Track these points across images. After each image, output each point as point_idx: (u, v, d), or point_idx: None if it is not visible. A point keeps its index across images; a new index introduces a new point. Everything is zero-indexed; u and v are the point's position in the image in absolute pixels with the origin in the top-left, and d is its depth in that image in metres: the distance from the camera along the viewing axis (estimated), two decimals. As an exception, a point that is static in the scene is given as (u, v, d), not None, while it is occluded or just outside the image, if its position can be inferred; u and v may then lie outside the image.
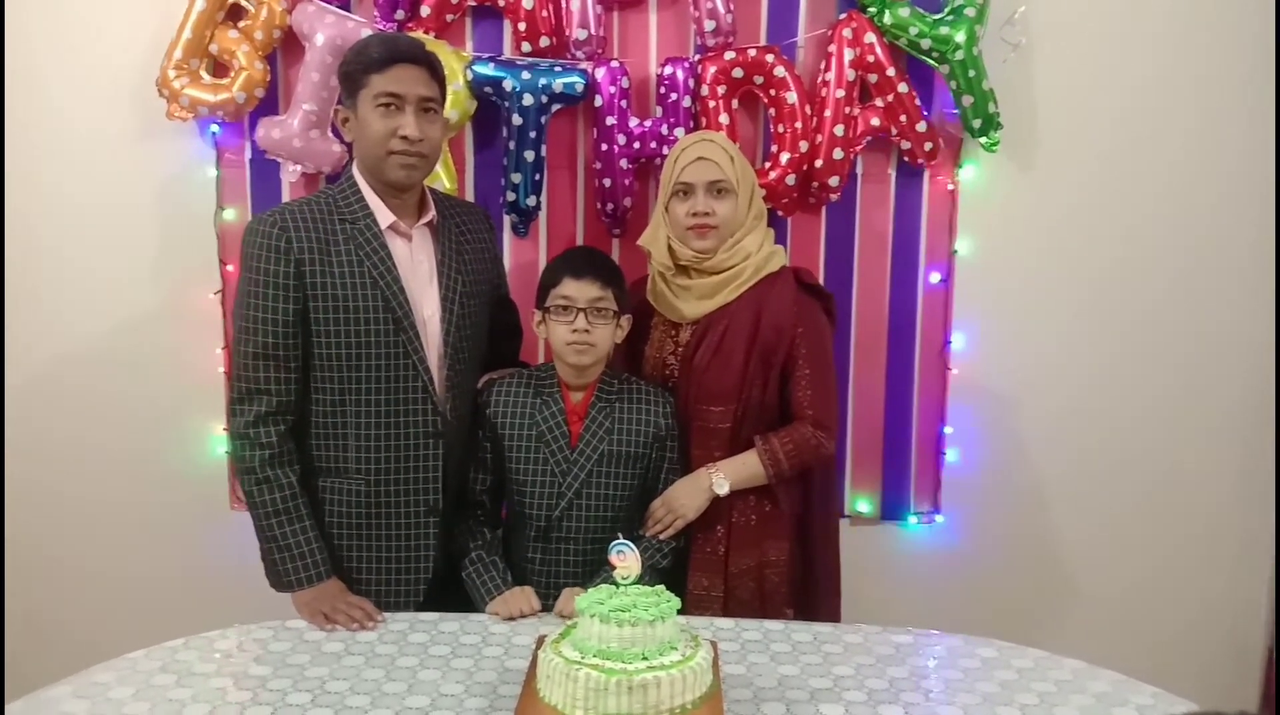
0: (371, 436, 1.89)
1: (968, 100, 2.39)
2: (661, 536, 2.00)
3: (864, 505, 2.65)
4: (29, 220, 2.50)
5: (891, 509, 2.65)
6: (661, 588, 1.47)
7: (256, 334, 1.83)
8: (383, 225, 1.89)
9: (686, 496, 2.00)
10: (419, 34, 2.32)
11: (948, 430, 2.62)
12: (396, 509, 1.93)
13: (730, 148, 2.08)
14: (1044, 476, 2.68)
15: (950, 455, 2.63)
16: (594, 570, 1.95)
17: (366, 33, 2.30)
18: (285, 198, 2.46)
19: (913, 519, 2.66)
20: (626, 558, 1.43)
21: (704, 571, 2.05)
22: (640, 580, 1.47)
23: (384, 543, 1.94)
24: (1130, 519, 2.70)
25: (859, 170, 2.51)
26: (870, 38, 2.36)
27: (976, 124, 2.42)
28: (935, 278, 2.57)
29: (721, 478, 1.99)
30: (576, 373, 1.97)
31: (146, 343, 2.54)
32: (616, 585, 1.44)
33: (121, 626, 2.58)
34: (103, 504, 2.61)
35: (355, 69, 1.85)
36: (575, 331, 1.92)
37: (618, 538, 1.49)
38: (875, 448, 2.62)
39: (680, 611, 1.47)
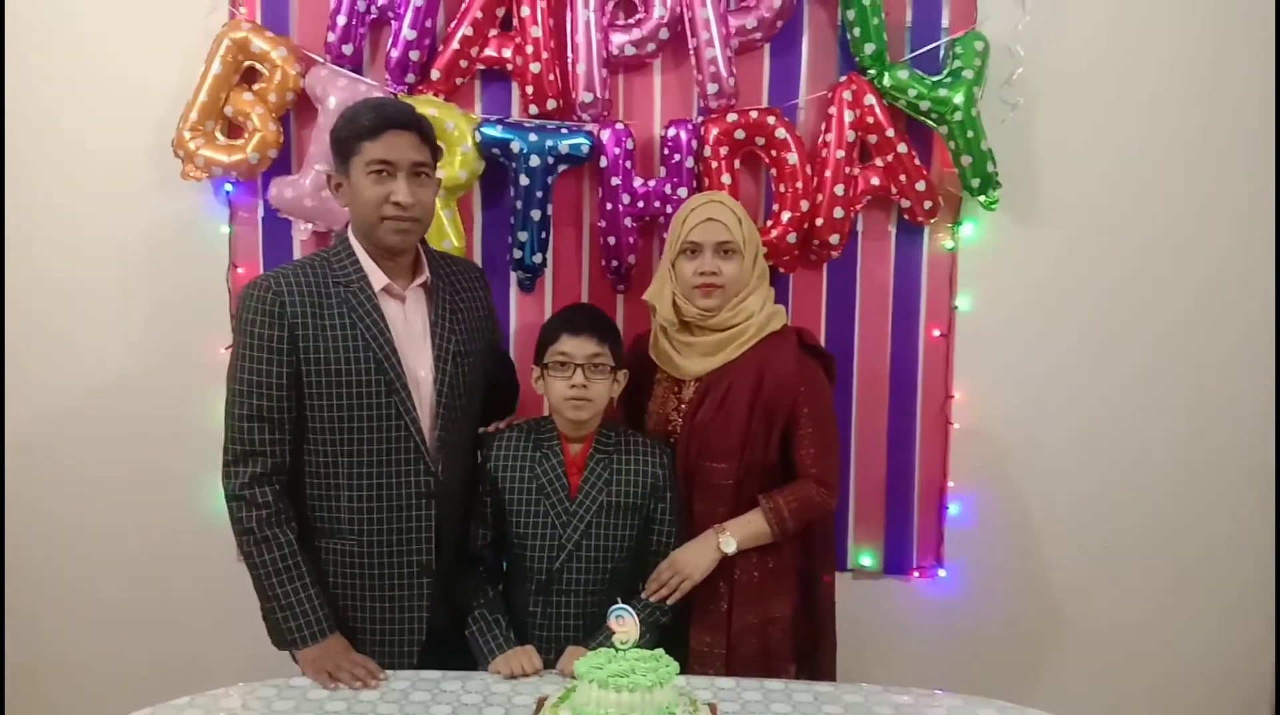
0: (364, 497, 1.90)
1: (966, 160, 2.44)
2: (668, 601, 2.00)
3: (867, 559, 2.66)
4: (43, 273, 2.55)
5: (895, 563, 2.66)
6: (660, 652, 1.49)
7: (250, 397, 1.85)
8: (376, 288, 1.90)
9: (695, 557, 2.01)
10: (429, 97, 2.39)
11: (950, 484, 2.64)
12: (389, 569, 1.93)
13: (738, 209, 2.12)
14: (1047, 530, 2.69)
15: (953, 509, 2.64)
16: (594, 624, 1.96)
17: (379, 95, 2.36)
18: (296, 255, 2.51)
19: (915, 573, 2.67)
20: (625, 622, 1.45)
21: (707, 628, 2.06)
22: (641, 638, 1.48)
23: (377, 603, 1.94)
24: (1135, 573, 2.70)
25: (860, 228, 2.55)
26: (870, 99, 2.41)
27: (975, 183, 2.46)
28: (936, 333, 2.60)
29: (728, 536, 2.01)
30: (574, 426, 2.01)
31: (157, 395, 2.58)
32: (616, 649, 1.46)
33: (128, 679, 2.61)
34: (109, 555, 2.64)
35: (347, 136, 1.86)
36: (573, 387, 1.96)
37: (617, 596, 1.51)
38: (878, 502, 2.64)
39: (683, 669, 1.48)
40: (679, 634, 2.05)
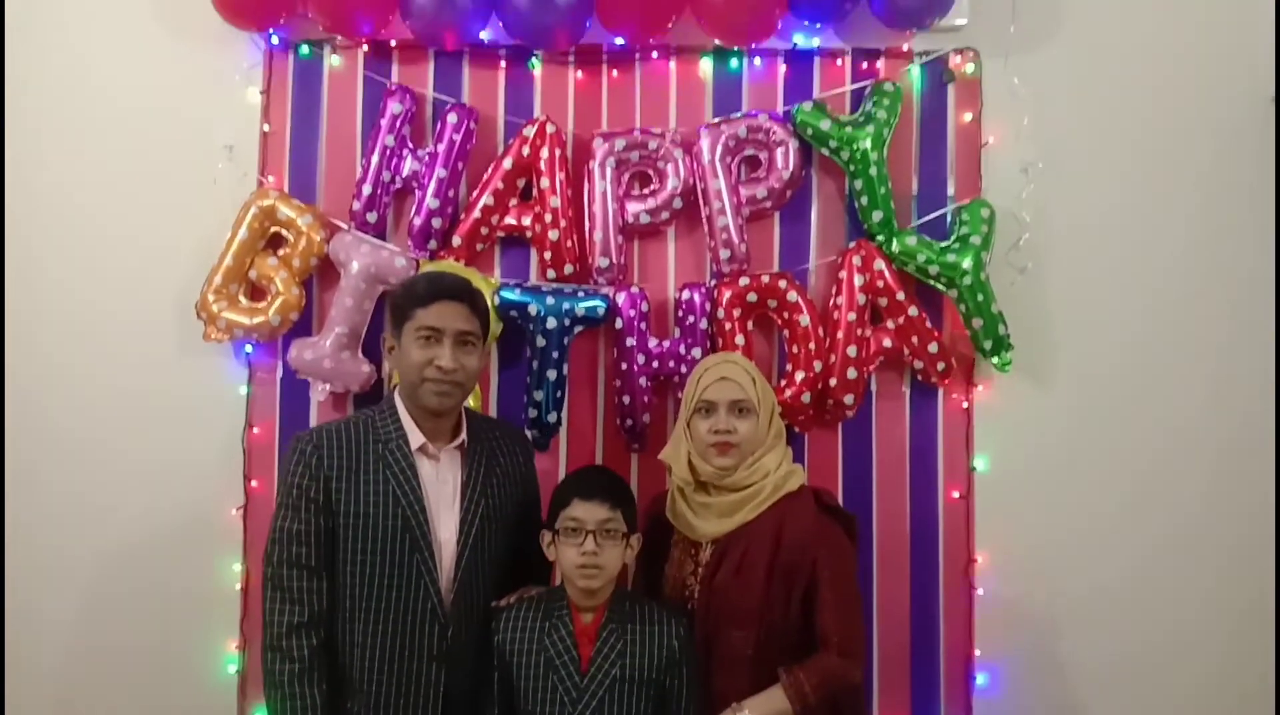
0: (376, 656, 1.89)
1: (977, 322, 2.46)
2: None
3: (893, 732, 2.55)
4: (59, 428, 2.55)
5: (921, 737, 2.54)
6: None
7: (290, 545, 1.88)
8: (413, 446, 1.94)
9: None
10: (450, 262, 2.44)
11: (976, 652, 2.54)
12: None
13: (751, 369, 2.13)
14: (1080, 699, 2.58)
15: (980, 678, 2.54)
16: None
17: (400, 261, 2.43)
18: (314, 416, 2.52)
19: (945, 748, 2.55)
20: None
21: (726, 813, 1.95)
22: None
23: None
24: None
25: (874, 388, 2.56)
26: (879, 264, 2.46)
27: (988, 345, 2.48)
28: (955, 495, 2.57)
29: (747, 714, 1.93)
30: (586, 596, 1.95)
31: (167, 554, 2.54)
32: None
33: None
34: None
35: (402, 303, 1.97)
36: (584, 553, 1.91)
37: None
38: (903, 671, 2.54)
39: None
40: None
